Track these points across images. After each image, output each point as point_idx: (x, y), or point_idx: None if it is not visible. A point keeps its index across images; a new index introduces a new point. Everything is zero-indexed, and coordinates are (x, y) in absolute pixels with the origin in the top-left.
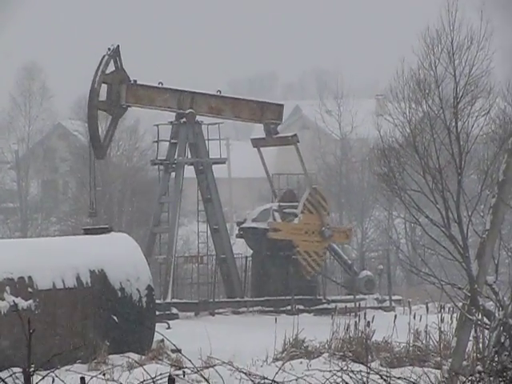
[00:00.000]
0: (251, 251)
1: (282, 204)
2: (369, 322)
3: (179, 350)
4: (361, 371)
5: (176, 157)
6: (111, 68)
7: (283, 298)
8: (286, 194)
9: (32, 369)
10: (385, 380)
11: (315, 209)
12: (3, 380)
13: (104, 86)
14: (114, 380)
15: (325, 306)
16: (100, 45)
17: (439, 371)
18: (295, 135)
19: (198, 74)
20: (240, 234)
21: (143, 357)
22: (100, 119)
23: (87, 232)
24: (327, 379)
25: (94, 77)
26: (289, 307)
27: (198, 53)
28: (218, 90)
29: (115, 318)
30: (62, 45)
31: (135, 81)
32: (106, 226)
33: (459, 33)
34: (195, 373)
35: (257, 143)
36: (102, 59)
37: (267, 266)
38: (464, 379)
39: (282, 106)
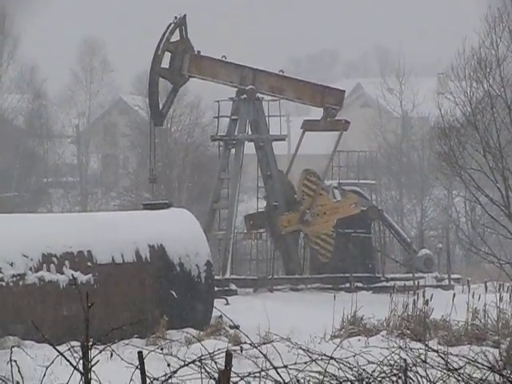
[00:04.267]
0: None
1: (342, 181)
2: (427, 300)
3: (237, 326)
4: (419, 349)
5: (236, 133)
6: (176, 37)
7: (342, 275)
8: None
9: (90, 343)
10: (442, 358)
11: (313, 192)
12: (61, 354)
13: (167, 55)
14: (171, 355)
15: (383, 283)
16: (162, 19)
17: (497, 350)
18: (348, 122)
19: (259, 49)
20: None
21: (201, 332)
22: (160, 93)
23: (147, 207)
24: (385, 356)
25: (158, 44)
26: (347, 285)
27: (260, 28)
28: (280, 70)
29: (174, 293)
30: (124, 19)
31: (199, 52)
32: (166, 202)
33: None
34: (253, 348)
35: (308, 126)
36: (168, 27)
37: None
38: None
39: (343, 91)
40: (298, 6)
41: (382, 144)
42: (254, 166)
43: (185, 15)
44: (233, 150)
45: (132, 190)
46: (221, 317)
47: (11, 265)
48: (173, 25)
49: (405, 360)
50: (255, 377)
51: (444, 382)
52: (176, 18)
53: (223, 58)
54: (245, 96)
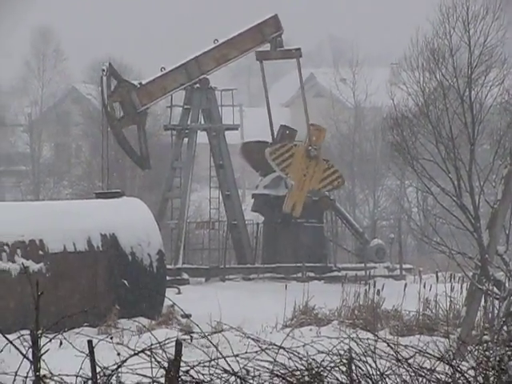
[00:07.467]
0: (263, 218)
1: None
2: (379, 290)
3: (189, 316)
4: (368, 339)
5: (189, 122)
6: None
7: (294, 265)
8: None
9: (40, 331)
10: (392, 348)
11: (326, 165)
12: (11, 342)
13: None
14: (122, 344)
15: (335, 273)
16: (115, 7)
17: (447, 340)
18: (299, 49)
19: (208, 38)
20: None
21: (153, 321)
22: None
23: (99, 196)
24: (334, 346)
25: (103, 103)
26: (299, 274)
27: (206, 19)
28: (214, 40)
29: (126, 282)
30: (76, 7)
31: (140, 83)
32: (118, 191)
33: (475, 2)
34: (203, 338)
35: (261, 56)
36: (102, 82)
37: (278, 233)
38: (472, 348)
39: (275, 15)
40: None
41: (335, 134)
42: (207, 155)
43: (110, 63)
44: (185, 140)
45: (84, 178)
46: (172, 306)
47: None
48: (104, 77)
49: (350, 350)
50: (205, 366)
51: (393, 371)
52: (103, 70)
53: (163, 70)
54: (197, 85)
